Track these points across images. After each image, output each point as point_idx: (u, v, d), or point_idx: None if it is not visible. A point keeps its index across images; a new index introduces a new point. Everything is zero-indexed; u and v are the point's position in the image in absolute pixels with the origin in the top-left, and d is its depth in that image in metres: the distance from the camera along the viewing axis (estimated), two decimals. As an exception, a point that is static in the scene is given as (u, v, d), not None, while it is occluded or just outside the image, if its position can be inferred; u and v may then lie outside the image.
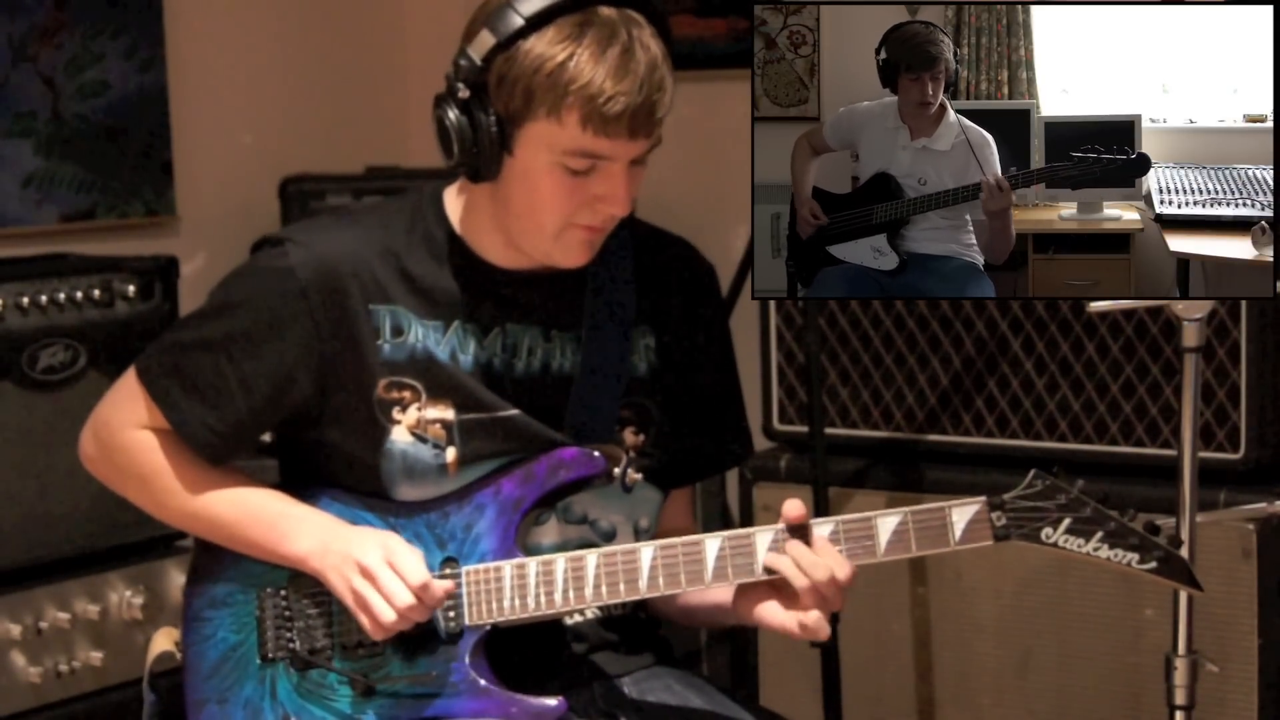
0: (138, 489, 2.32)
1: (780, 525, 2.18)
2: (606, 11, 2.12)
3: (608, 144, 2.12)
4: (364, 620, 2.19)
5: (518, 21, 2.11)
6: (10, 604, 3.17)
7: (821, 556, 2.15)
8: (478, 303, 2.25)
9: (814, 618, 2.16)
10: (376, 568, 2.17)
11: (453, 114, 2.16)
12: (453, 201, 2.29)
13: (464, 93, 2.15)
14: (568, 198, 2.16)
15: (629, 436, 2.31)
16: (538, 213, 2.18)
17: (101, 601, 3.28)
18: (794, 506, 2.16)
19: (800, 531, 2.17)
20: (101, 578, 3.28)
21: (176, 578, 3.35)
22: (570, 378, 2.28)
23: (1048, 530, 2.15)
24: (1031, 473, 2.17)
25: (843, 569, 2.15)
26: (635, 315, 2.31)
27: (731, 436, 2.44)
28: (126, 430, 2.29)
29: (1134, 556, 2.15)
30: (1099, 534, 2.15)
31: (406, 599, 2.16)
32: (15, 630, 3.16)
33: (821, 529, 2.17)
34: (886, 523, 2.16)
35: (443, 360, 2.24)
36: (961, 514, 2.16)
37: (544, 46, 2.10)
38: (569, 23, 2.11)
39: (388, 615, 2.17)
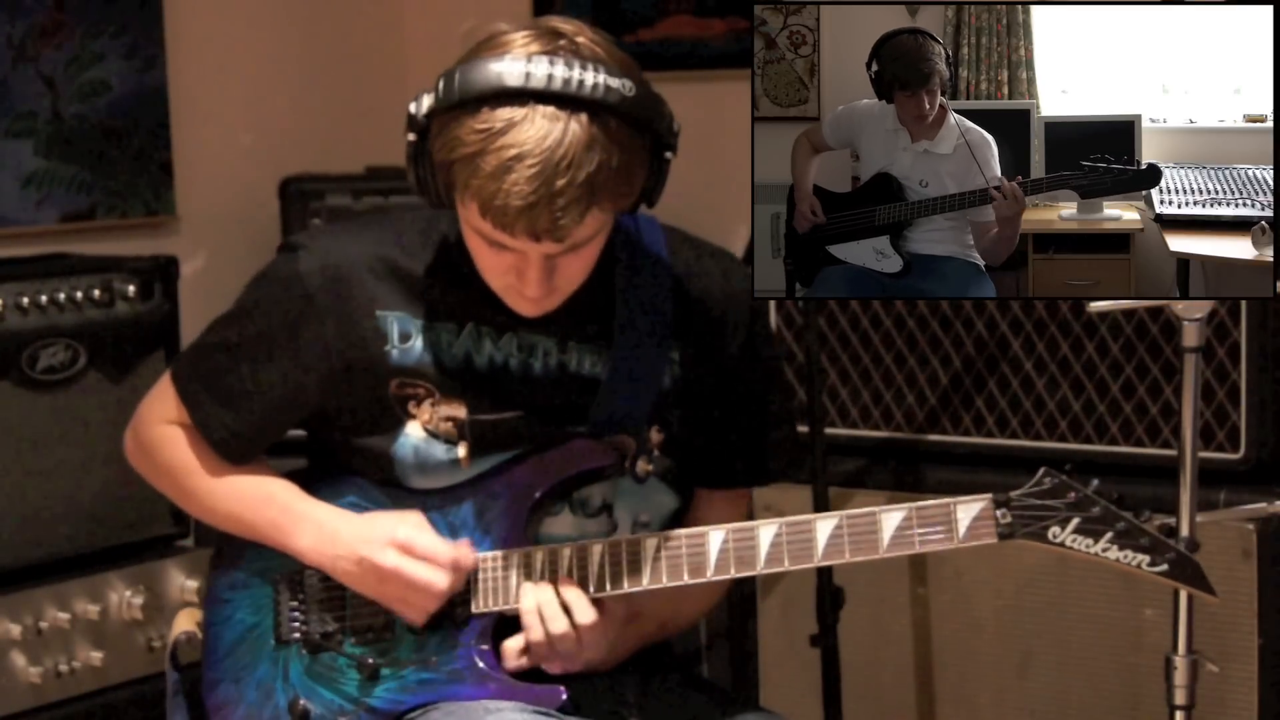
0: (167, 482, 2.39)
1: (783, 520, 2.18)
2: (547, 111, 2.05)
3: (509, 239, 2.10)
4: (404, 615, 2.24)
5: (455, 94, 2.07)
6: (10, 604, 3.17)
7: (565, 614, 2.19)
8: (489, 312, 2.25)
9: (508, 644, 2.24)
10: (400, 564, 2.20)
11: (408, 153, 2.15)
12: None
13: (412, 137, 2.14)
14: (495, 261, 2.16)
15: (654, 435, 2.31)
16: (479, 265, 2.20)
17: (101, 601, 3.27)
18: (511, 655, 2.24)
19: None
20: (101, 578, 3.28)
21: (176, 578, 3.36)
22: (590, 379, 2.27)
23: (1055, 529, 2.12)
24: (1041, 470, 2.14)
25: (582, 615, 2.20)
26: (672, 328, 2.29)
27: (745, 456, 2.39)
28: (158, 425, 2.35)
29: (1144, 558, 2.11)
30: (1108, 534, 2.12)
31: (444, 581, 2.21)
32: (15, 630, 3.16)
33: (824, 525, 2.16)
34: (890, 519, 2.15)
35: (451, 365, 2.25)
36: (966, 511, 2.15)
37: (463, 132, 2.07)
38: (500, 115, 2.05)
39: (431, 605, 2.22)
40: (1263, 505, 2.68)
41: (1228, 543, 2.88)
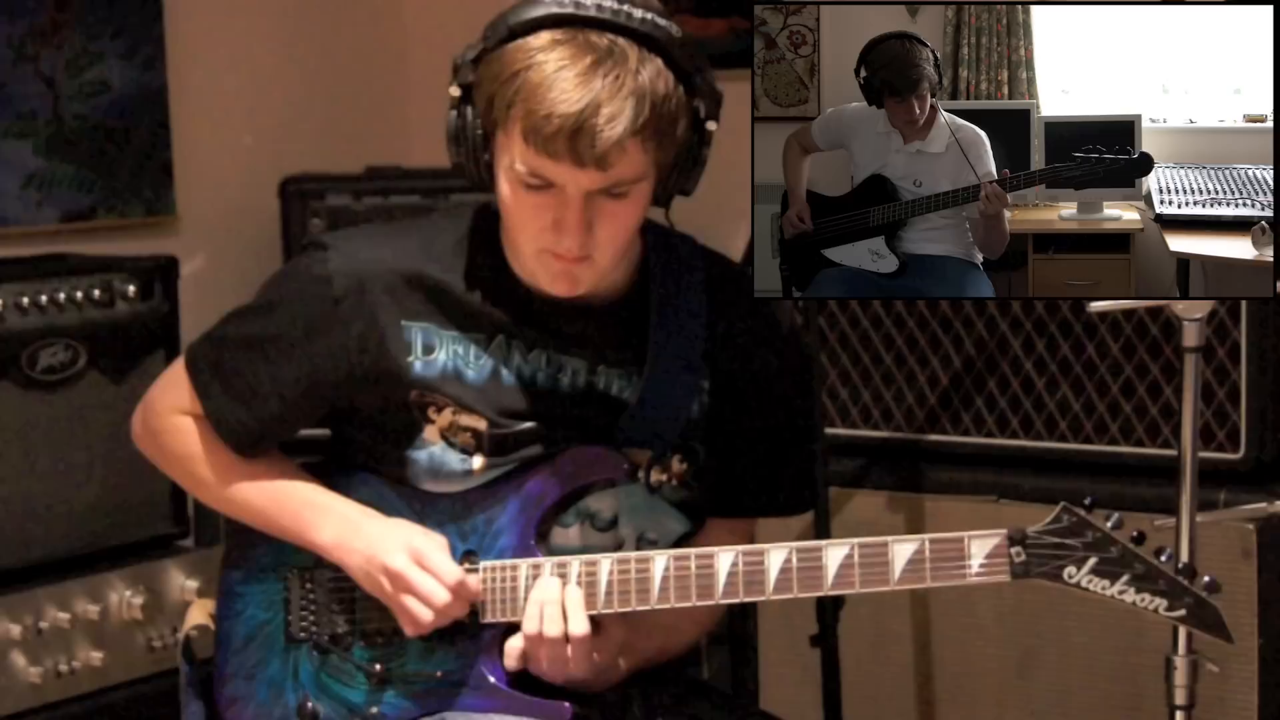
0: (179, 471, 2.37)
1: (794, 545, 2.16)
2: (595, 36, 2.07)
3: (551, 165, 2.08)
4: (402, 622, 2.22)
5: (503, 29, 2.10)
6: (10, 604, 3.17)
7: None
8: (520, 327, 2.24)
9: (510, 643, 2.21)
10: (406, 569, 2.19)
11: (450, 113, 2.16)
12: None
13: (455, 90, 2.15)
14: (531, 216, 2.14)
15: (675, 464, 2.29)
16: (513, 229, 2.18)
17: (101, 601, 3.27)
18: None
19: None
20: (101, 578, 3.28)
21: (176, 578, 3.36)
22: (618, 400, 2.26)
23: (1071, 569, 2.08)
24: (1060, 506, 2.10)
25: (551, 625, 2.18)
26: (704, 355, 2.27)
27: (760, 489, 2.38)
28: (170, 414, 2.34)
29: (1161, 602, 2.08)
30: (1125, 576, 2.08)
31: (444, 597, 2.19)
32: (15, 630, 3.16)
33: (835, 552, 2.14)
34: (903, 549, 2.12)
35: (474, 379, 2.24)
36: (980, 546, 2.11)
37: (512, 55, 2.08)
38: (548, 37, 2.07)
39: (425, 615, 2.20)
40: (1263, 505, 2.69)
41: (1228, 543, 2.88)
